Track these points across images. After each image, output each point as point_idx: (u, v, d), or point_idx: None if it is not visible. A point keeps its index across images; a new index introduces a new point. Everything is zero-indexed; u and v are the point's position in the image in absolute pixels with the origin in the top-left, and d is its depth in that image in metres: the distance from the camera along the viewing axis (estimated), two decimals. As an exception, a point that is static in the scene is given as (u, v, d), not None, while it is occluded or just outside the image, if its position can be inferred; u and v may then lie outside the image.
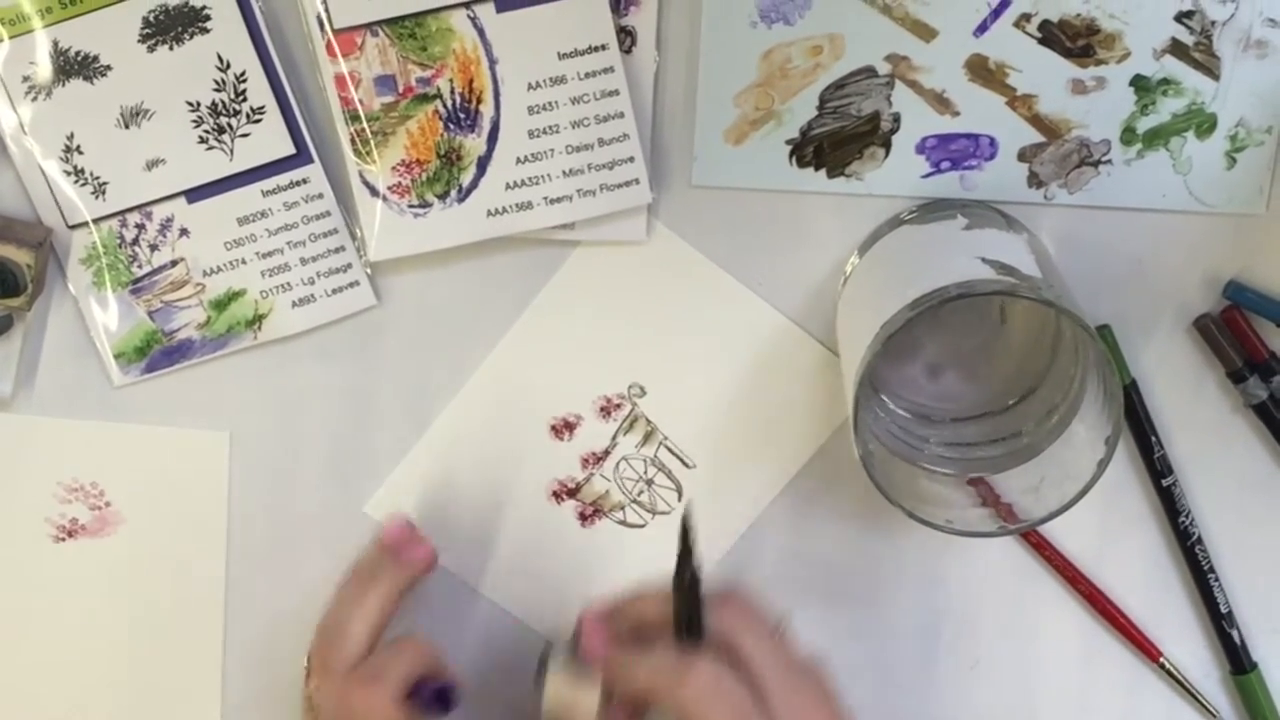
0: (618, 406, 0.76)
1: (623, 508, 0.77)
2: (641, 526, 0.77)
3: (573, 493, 0.77)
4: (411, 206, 0.73)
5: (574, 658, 0.69)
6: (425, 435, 0.76)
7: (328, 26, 0.70)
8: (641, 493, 0.77)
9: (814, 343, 0.75)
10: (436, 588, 0.75)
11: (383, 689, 0.68)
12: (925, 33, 0.71)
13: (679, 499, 0.77)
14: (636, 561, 0.77)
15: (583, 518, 0.77)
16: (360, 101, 0.71)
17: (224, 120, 0.72)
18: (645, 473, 0.77)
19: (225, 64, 0.71)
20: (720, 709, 0.66)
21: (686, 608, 0.68)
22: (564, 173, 0.72)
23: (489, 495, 0.77)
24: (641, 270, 0.74)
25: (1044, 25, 0.71)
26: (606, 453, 0.76)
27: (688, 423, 0.76)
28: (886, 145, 0.73)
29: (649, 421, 0.75)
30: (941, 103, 0.72)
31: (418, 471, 0.76)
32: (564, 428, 0.76)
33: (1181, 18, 0.70)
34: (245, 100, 0.72)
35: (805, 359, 0.75)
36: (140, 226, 0.73)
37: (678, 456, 0.77)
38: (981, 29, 0.71)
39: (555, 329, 0.75)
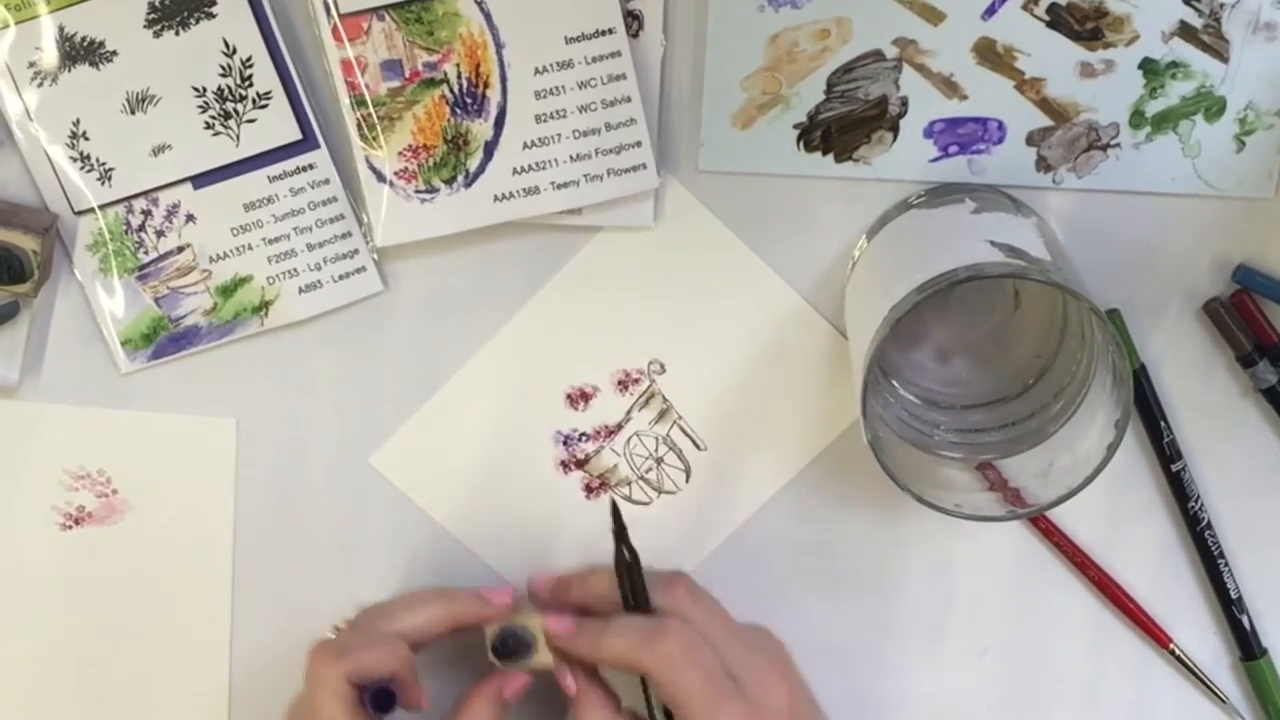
0: (635, 381, 0.75)
1: (629, 484, 0.77)
2: (646, 504, 0.77)
3: (581, 464, 0.77)
4: (418, 192, 0.72)
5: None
6: (434, 397, 0.76)
7: (334, 11, 0.70)
8: (650, 470, 0.77)
9: (828, 326, 0.75)
10: (432, 546, 0.75)
11: (337, 668, 0.68)
12: (933, 16, 0.71)
13: (687, 480, 0.77)
14: (636, 540, 0.76)
15: (588, 490, 0.77)
16: (366, 86, 0.71)
17: (230, 106, 0.72)
18: (656, 450, 0.76)
19: (231, 49, 0.71)
20: (694, 669, 0.67)
21: (631, 583, 0.70)
22: (571, 157, 0.72)
23: (495, 457, 0.76)
24: (663, 249, 0.74)
25: (1052, 8, 0.70)
26: (619, 426, 0.76)
27: (704, 404, 0.76)
28: (894, 129, 0.72)
29: (665, 399, 0.75)
30: (949, 86, 0.72)
31: (425, 428, 0.76)
32: (580, 397, 0.76)
33: (1190, 0, 0.70)
34: (251, 86, 0.72)
35: (819, 343, 0.75)
36: (146, 212, 0.73)
37: (690, 437, 0.76)
38: (990, 12, 0.71)
39: (575, 303, 0.75)
